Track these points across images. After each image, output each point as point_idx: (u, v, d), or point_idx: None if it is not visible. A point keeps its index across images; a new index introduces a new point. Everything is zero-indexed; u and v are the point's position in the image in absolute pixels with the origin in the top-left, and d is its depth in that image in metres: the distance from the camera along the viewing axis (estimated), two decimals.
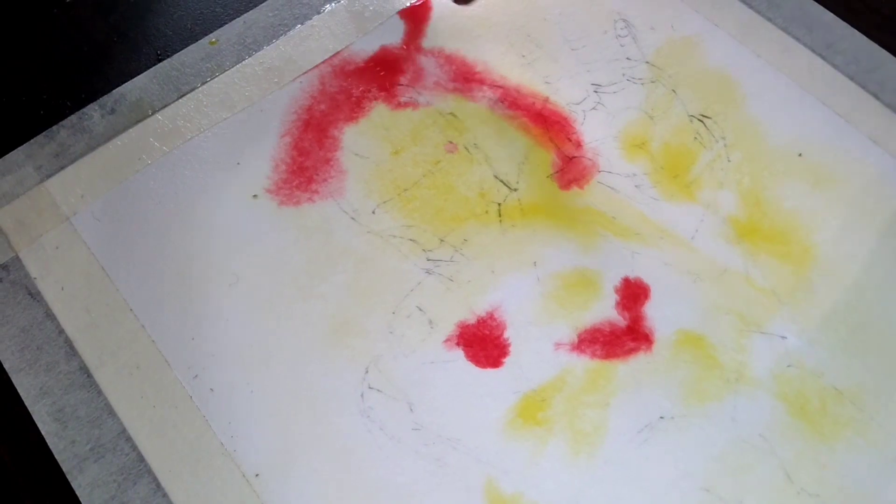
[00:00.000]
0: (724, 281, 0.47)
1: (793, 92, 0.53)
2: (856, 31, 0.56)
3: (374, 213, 0.50)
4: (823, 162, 0.51)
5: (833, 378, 0.45)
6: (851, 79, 0.54)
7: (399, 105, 0.53)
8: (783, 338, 0.46)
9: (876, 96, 0.53)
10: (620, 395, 0.44)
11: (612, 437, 0.43)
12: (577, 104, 0.53)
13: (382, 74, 0.54)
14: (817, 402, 0.44)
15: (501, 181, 0.51)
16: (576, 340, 0.46)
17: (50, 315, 0.47)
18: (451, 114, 0.53)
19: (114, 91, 0.54)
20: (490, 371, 0.45)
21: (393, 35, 0.56)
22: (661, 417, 0.44)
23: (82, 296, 0.47)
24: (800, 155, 0.51)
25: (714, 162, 0.51)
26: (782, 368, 0.45)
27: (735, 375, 0.45)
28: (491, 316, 0.47)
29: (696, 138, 0.52)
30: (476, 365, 0.45)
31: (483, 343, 0.46)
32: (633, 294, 0.47)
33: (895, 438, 0.43)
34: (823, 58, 0.55)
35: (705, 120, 0.53)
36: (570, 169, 0.51)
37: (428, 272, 0.48)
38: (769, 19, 0.56)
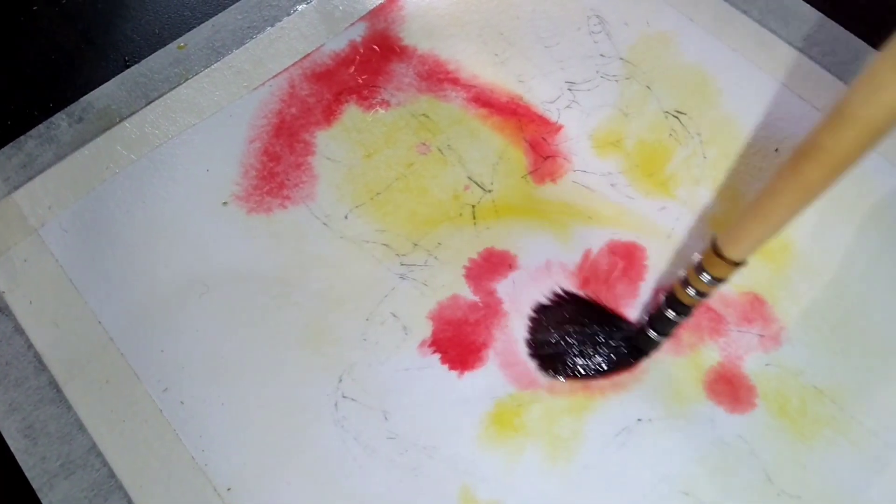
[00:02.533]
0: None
1: (769, 86, 0.52)
2: (833, 22, 0.55)
3: (346, 218, 0.49)
4: None
5: (812, 377, 0.44)
6: (829, 71, 0.53)
7: (371, 107, 0.53)
8: (761, 336, 0.45)
9: None
10: (598, 398, 0.44)
11: (589, 441, 0.43)
12: (552, 102, 0.53)
13: (354, 76, 0.54)
14: (797, 402, 0.44)
15: (475, 182, 0.50)
16: None
17: (19, 329, 0.46)
18: (423, 115, 0.52)
19: (81, 99, 0.53)
20: (466, 376, 0.44)
21: (364, 36, 0.55)
22: (639, 420, 0.43)
23: (51, 309, 0.46)
24: (776, 150, 0.50)
25: (690, 158, 0.50)
26: (761, 367, 0.44)
27: (714, 375, 0.44)
28: (466, 320, 0.46)
29: (671, 135, 0.51)
30: (452, 369, 0.45)
31: (459, 348, 0.45)
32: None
33: (876, 437, 0.43)
34: (800, 50, 0.54)
35: (680, 116, 0.52)
36: (545, 168, 0.50)
37: (402, 277, 0.47)
38: (744, 12, 0.55)
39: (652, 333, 0.43)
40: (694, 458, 0.42)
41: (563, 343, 0.45)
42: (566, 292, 0.46)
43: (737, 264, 0.37)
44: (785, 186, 0.33)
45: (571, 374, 0.44)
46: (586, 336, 0.45)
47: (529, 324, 0.45)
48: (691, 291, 0.39)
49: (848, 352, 0.45)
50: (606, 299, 0.46)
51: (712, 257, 0.37)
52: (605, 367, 0.44)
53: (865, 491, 0.42)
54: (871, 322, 0.46)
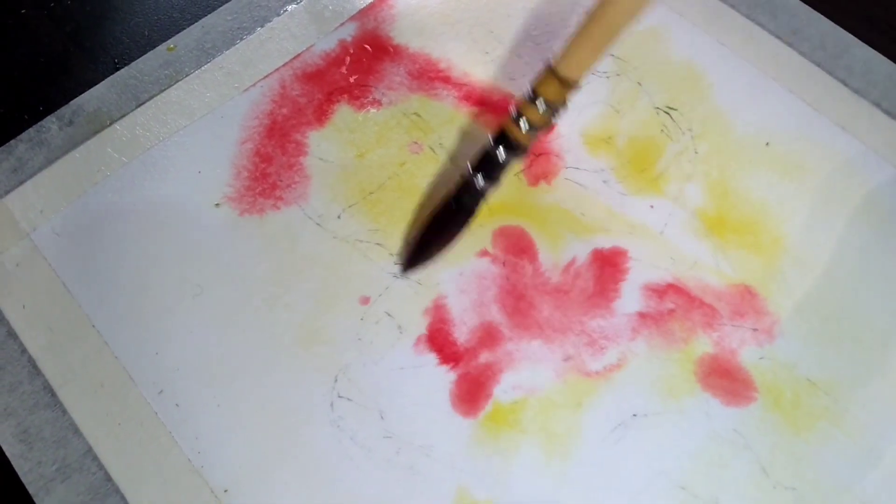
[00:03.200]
0: (695, 274, 0.47)
1: (759, 80, 0.53)
2: (821, 16, 0.55)
3: (339, 217, 0.49)
4: (791, 150, 0.50)
5: (806, 369, 0.44)
6: (818, 65, 0.54)
7: (363, 106, 0.53)
8: (754, 330, 0.45)
9: (844, 82, 0.53)
10: (593, 394, 0.44)
11: (585, 437, 0.43)
12: None
13: (345, 76, 0.54)
14: (790, 395, 0.44)
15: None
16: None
17: (12, 334, 0.46)
18: (415, 114, 0.52)
19: (71, 102, 0.53)
20: (461, 375, 0.44)
21: (354, 35, 0.55)
22: (635, 415, 0.43)
23: (44, 313, 0.46)
24: (767, 144, 0.51)
25: (681, 154, 0.50)
26: (754, 361, 0.45)
27: (707, 369, 0.44)
28: (460, 318, 0.46)
29: (662, 131, 0.51)
30: (447, 369, 0.45)
31: (454, 346, 0.45)
32: None
33: (870, 429, 0.43)
34: (789, 45, 0.54)
35: (671, 112, 0.52)
36: (537, 166, 0.51)
37: (396, 276, 0.47)
38: (733, 6, 0.55)
39: (479, 180, 0.42)
40: (689, 453, 0.42)
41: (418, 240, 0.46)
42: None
43: (569, 85, 0.38)
44: (604, 13, 0.37)
45: (414, 259, 0.45)
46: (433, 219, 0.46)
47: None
48: (524, 124, 0.39)
49: (841, 344, 0.45)
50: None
51: (548, 78, 0.39)
52: (438, 231, 0.45)
53: (860, 482, 0.42)
54: (864, 314, 0.46)
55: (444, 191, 0.48)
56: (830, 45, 0.54)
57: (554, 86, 0.38)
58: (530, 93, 0.39)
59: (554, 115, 0.39)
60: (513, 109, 0.39)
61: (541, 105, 0.39)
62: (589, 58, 0.38)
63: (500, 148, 0.40)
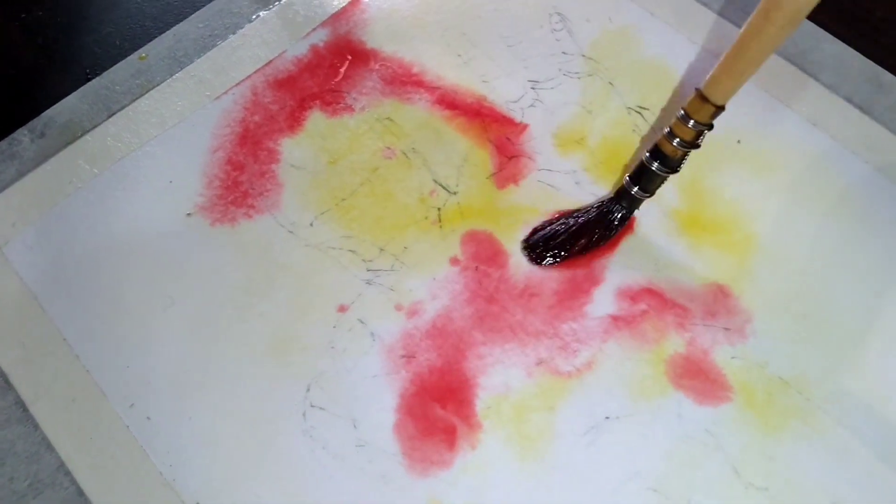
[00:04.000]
0: (668, 275, 0.47)
1: None
2: None
3: (311, 225, 0.49)
4: (763, 148, 0.50)
5: (778, 368, 0.44)
6: (790, 61, 0.53)
7: (335, 112, 0.52)
8: (726, 329, 0.45)
9: (815, 77, 0.53)
10: (566, 397, 0.44)
11: (558, 441, 0.43)
12: (515, 102, 0.53)
13: (317, 82, 0.53)
14: (763, 394, 0.44)
15: (441, 185, 0.50)
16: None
17: None
18: (388, 118, 0.52)
19: (43, 114, 0.53)
20: (435, 381, 0.44)
21: (326, 41, 0.55)
22: (607, 418, 0.43)
23: (16, 328, 0.46)
24: (738, 142, 0.50)
25: None
26: (726, 360, 0.44)
27: (679, 370, 0.44)
28: (433, 324, 0.46)
29: (634, 130, 0.51)
30: (421, 375, 0.44)
31: (427, 352, 0.45)
32: None
33: (843, 426, 0.43)
34: None
35: (643, 111, 0.52)
36: (508, 169, 0.50)
37: (368, 283, 0.47)
38: (705, 4, 0.55)
39: (635, 190, 0.46)
40: (662, 454, 0.42)
41: (550, 231, 0.48)
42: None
43: (717, 108, 0.43)
44: (750, 42, 0.40)
45: (556, 255, 0.47)
46: (570, 223, 0.48)
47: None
48: (676, 142, 0.43)
49: (812, 342, 0.45)
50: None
51: (697, 103, 0.43)
52: (586, 241, 0.47)
53: (832, 480, 0.42)
54: (835, 311, 0.46)
55: (417, 196, 0.48)
56: (801, 41, 0.54)
57: (704, 109, 0.42)
58: (682, 114, 0.43)
59: (701, 135, 0.44)
60: (667, 130, 0.44)
61: (692, 125, 0.43)
62: (735, 85, 0.42)
63: (656, 163, 0.44)
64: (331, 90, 0.53)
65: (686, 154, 0.44)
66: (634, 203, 0.47)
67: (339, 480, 0.42)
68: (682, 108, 0.43)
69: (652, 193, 0.46)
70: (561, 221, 0.48)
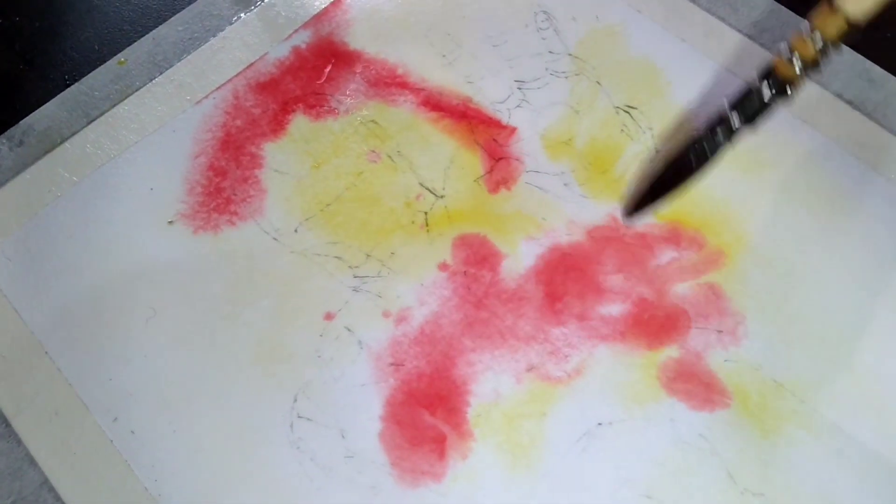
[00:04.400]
0: (659, 276, 0.46)
1: (719, 75, 0.52)
2: (782, 6, 0.55)
3: (296, 231, 0.48)
4: (752, 145, 0.49)
5: (771, 370, 0.44)
6: None
7: (319, 115, 0.51)
8: (719, 332, 0.45)
9: None
10: (557, 403, 0.43)
11: (550, 448, 0.42)
12: (502, 103, 0.52)
13: (300, 84, 0.53)
14: (757, 397, 0.43)
15: (427, 189, 0.49)
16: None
17: None
18: (372, 121, 0.51)
19: (21, 122, 0.52)
20: (424, 389, 0.44)
21: (308, 42, 0.54)
22: (599, 424, 0.43)
23: None
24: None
25: (641, 153, 0.50)
26: (719, 363, 0.44)
27: (672, 374, 0.44)
28: (422, 331, 0.45)
29: (622, 130, 0.51)
30: (410, 383, 0.44)
31: (416, 359, 0.44)
32: None
33: (838, 429, 0.42)
34: (750, 38, 0.53)
35: (631, 111, 0.51)
36: (497, 171, 0.50)
37: (355, 290, 0.46)
38: (693, 1, 0.54)
39: (735, 119, 0.39)
40: (655, 460, 0.42)
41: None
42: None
43: (850, 25, 0.34)
44: None
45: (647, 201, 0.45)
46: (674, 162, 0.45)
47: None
48: (797, 62, 0.36)
49: (806, 343, 0.44)
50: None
51: (828, 12, 0.34)
52: (674, 177, 0.44)
53: (829, 484, 0.41)
54: (828, 312, 0.45)
55: (403, 200, 0.47)
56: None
57: (835, 21, 0.34)
58: (808, 27, 0.35)
59: (825, 57, 0.35)
60: (784, 46, 0.36)
61: (817, 40, 0.35)
62: None
63: (766, 85, 0.37)
64: (314, 93, 0.53)
65: (803, 79, 0.37)
66: (731, 134, 0.41)
67: (329, 493, 0.41)
68: (808, 19, 0.36)
69: (755, 125, 0.40)
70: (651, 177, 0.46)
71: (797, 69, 0.35)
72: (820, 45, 0.35)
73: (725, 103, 0.40)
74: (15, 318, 0.45)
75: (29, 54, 0.56)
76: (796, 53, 0.35)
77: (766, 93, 0.37)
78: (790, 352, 0.44)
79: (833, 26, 0.34)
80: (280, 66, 0.53)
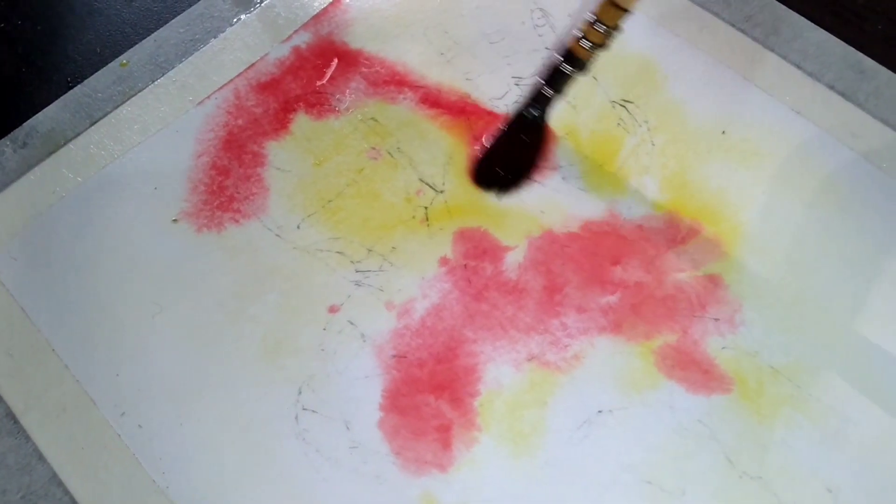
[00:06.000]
0: (657, 266, 0.47)
1: (713, 69, 0.53)
2: (774, 0, 0.55)
3: (299, 227, 0.49)
4: (747, 137, 0.50)
5: (769, 357, 0.44)
6: (772, 50, 0.54)
7: (320, 114, 0.52)
8: (716, 320, 0.45)
9: (797, 66, 0.53)
10: (558, 392, 0.44)
11: (551, 436, 0.43)
12: (499, 99, 0.53)
13: (300, 83, 0.53)
14: (754, 383, 0.44)
15: (427, 184, 0.50)
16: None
17: None
18: (372, 119, 0.52)
19: (25, 124, 0.53)
20: (426, 379, 0.44)
21: (308, 42, 0.55)
22: (600, 412, 0.43)
23: (4, 339, 0.46)
24: (723, 132, 0.51)
25: (638, 147, 0.50)
26: (717, 351, 0.45)
27: (671, 362, 0.44)
28: (423, 323, 0.46)
29: (619, 124, 0.51)
30: (412, 375, 0.44)
31: (418, 351, 0.45)
32: None
33: (835, 412, 0.43)
34: (743, 31, 0.54)
35: (627, 105, 0.52)
36: None
37: (357, 284, 0.47)
38: None
39: (546, 90, 0.47)
40: (655, 446, 0.42)
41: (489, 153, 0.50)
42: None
43: (624, 10, 0.44)
44: None
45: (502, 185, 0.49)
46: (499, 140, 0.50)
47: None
48: (586, 44, 0.45)
49: (802, 330, 0.45)
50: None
51: (606, 5, 0.44)
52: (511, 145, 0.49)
53: (826, 467, 0.42)
54: (824, 298, 0.46)
55: (404, 195, 0.48)
56: (784, 30, 0.54)
57: (611, 12, 0.43)
58: (592, 17, 0.44)
59: (609, 37, 0.44)
60: (577, 32, 0.44)
61: (600, 27, 0.44)
62: None
63: (565, 63, 0.46)
64: (315, 92, 0.53)
65: (595, 56, 0.45)
66: (546, 102, 0.48)
67: (335, 482, 0.42)
68: (591, 15, 0.44)
69: (562, 93, 0.47)
70: (492, 143, 0.50)
71: (589, 49, 0.45)
72: (603, 30, 0.44)
73: (538, 79, 0.47)
74: (21, 317, 0.46)
75: (31, 57, 0.56)
76: (586, 38, 0.44)
77: (568, 68, 0.46)
78: (787, 338, 0.45)
79: (610, 16, 0.44)
80: (281, 66, 0.54)
